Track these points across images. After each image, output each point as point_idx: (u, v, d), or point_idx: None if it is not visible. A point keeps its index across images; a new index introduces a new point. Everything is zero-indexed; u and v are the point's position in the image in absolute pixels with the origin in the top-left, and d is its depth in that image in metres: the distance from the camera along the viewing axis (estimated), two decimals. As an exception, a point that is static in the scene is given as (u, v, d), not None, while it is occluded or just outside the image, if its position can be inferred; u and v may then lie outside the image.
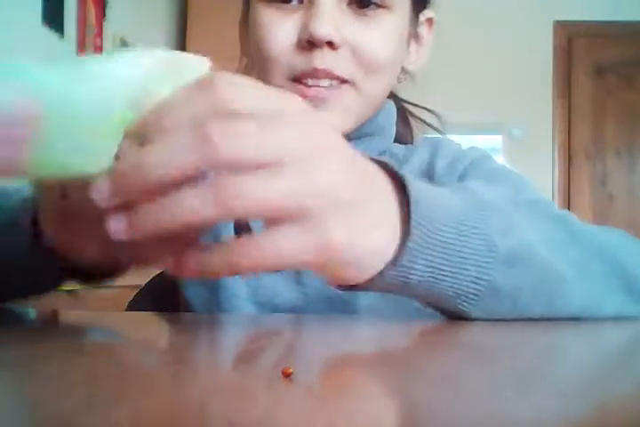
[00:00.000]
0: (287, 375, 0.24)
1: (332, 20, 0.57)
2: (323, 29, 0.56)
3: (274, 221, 0.33)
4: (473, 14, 3.65)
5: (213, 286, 0.67)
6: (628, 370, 0.30)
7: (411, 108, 0.78)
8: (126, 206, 0.32)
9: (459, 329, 0.44)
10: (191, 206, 0.31)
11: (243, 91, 0.33)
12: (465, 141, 0.73)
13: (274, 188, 0.31)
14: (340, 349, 0.34)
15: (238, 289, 0.66)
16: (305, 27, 0.58)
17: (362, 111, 0.63)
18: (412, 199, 0.38)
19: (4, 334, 0.39)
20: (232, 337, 0.42)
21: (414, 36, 0.67)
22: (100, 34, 2.49)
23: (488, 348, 0.36)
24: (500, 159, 2.35)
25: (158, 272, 0.90)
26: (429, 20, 0.69)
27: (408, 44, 0.66)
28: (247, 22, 0.65)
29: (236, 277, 0.66)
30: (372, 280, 0.38)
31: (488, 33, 3.66)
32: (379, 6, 0.60)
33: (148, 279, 0.90)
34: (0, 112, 0.33)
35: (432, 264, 0.40)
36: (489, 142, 3.51)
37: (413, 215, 0.38)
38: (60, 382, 0.25)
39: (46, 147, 0.34)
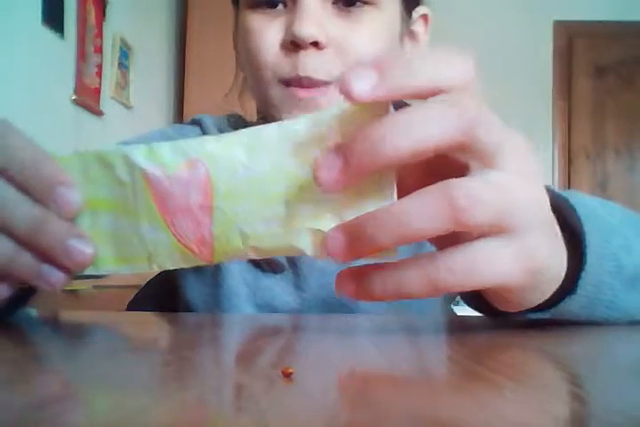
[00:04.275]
0: (287, 375, 0.24)
1: (315, 20, 0.57)
2: (306, 30, 0.56)
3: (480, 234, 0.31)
4: (473, 14, 3.66)
5: (213, 286, 0.67)
6: None
7: None
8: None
9: (456, 328, 0.44)
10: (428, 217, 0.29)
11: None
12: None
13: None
14: (340, 349, 0.34)
15: (238, 289, 0.66)
16: (289, 28, 0.57)
17: None
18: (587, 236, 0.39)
19: (4, 334, 0.39)
20: (232, 337, 0.42)
21: (408, 33, 0.66)
22: (100, 34, 2.48)
23: (485, 346, 0.36)
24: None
25: (158, 272, 0.90)
26: (424, 17, 0.68)
27: (401, 41, 0.65)
28: (238, 33, 0.65)
29: (235, 276, 0.66)
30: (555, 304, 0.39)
31: (488, 33, 3.66)
32: (365, 3, 0.59)
33: (148, 279, 0.90)
34: (171, 173, 0.33)
35: (588, 296, 0.41)
36: (489, 142, 3.50)
37: (588, 258, 0.39)
38: (60, 382, 0.25)
39: (225, 219, 0.33)
